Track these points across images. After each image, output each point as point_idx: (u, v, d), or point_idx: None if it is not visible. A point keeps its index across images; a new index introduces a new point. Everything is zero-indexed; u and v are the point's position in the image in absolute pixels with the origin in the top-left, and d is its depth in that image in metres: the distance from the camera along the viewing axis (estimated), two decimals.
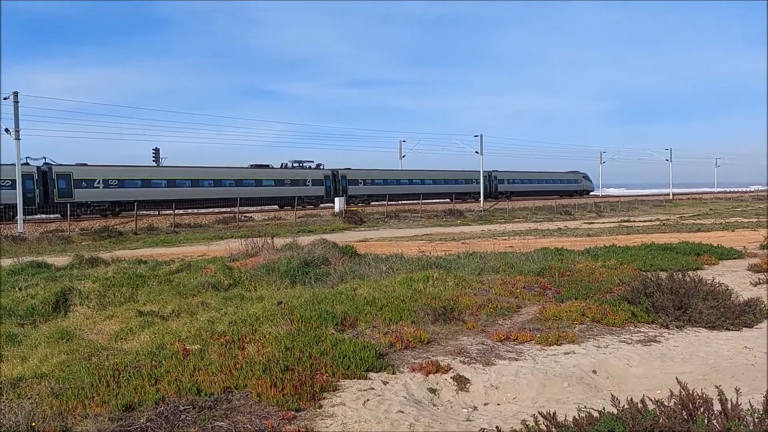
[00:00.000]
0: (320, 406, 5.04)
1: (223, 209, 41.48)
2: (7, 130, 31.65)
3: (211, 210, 41.61)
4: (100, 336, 8.41)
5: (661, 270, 11.19)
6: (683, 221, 33.85)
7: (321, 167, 52.76)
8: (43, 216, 36.31)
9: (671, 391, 3.90)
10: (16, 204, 31.83)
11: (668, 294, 8.13)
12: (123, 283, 11.29)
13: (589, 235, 24.38)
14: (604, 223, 35.27)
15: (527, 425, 3.84)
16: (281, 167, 50.38)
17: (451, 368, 6.14)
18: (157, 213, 39.92)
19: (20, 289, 11.68)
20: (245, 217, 40.34)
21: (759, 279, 11.00)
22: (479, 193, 58.41)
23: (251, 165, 48.41)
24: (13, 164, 32.50)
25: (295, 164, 52.12)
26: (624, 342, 7.15)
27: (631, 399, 3.85)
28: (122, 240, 28.61)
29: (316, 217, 41.17)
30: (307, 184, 50.03)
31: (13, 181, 32.51)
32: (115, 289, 10.94)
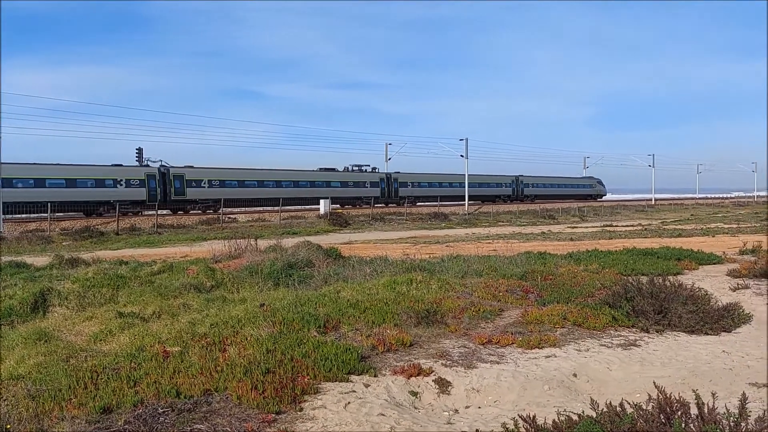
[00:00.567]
0: (301, 409, 5.01)
1: (296, 207, 46.86)
2: None
3: (293, 207, 46.39)
4: (79, 337, 8.30)
5: (642, 275, 11.30)
6: (665, 226, 34.23)
7: (376, 170, 58.61)
8: (163, 211, 40.89)
9: (649, 394, 3.94)
10: (144, 200, 39.34)
11: (649, 298, 8.21)
12: (103, 283, 11.16)
13: (571, 240, 24.56)
14: (587, 227, 35.57)
15: (507, 428, 3.85)
16: (344, 170, 56.32)
17: (433, 371, 6.14)
18: (249, 209, 44.85)
19: None
20: (229, 218, 40.15)
21: (738, 284, 11.14)
22: (509, 196, 67.86)
23: (319, 168, 54.57)
24: (136, 166, 40.18)
25: (354, 168, 57.67)
26: (604, 346, 7.20)
27: (610, 402, 3.88)
28: (103, 240, 28.32)
29: (301, 219, 41.08)
30: (366, 185, 55.74)
31: (141, 181, 39.74)
32: (95, 290, 10.81)
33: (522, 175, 72.54)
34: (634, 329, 7.91)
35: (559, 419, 3.91)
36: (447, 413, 5.41)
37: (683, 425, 3.48)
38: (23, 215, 33.92)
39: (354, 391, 5.47)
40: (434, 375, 6.07)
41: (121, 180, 39.48)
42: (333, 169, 55.41)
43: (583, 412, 3.95)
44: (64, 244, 26.40)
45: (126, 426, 4.56)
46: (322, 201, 44.51)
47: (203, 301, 9.94)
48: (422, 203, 57.70)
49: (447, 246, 22.22)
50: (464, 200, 57.67)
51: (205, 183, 43.94)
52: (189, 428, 4.58)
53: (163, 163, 42.56)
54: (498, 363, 6.50)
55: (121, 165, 40.96)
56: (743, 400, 3.72)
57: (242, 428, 4.60)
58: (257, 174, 48.47)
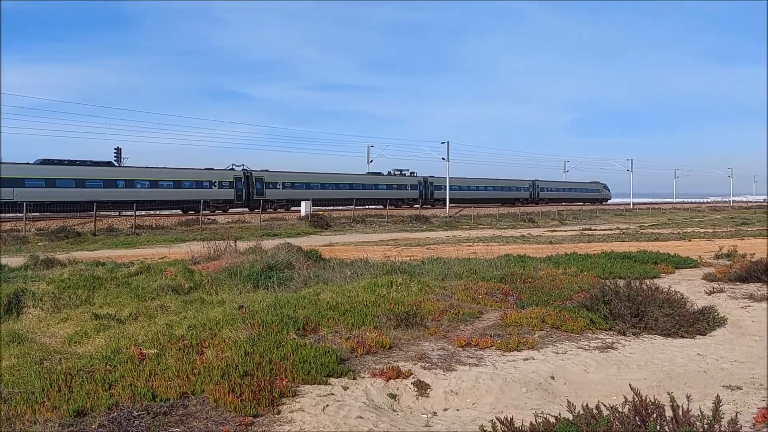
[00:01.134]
0: (279, 412, 4.98)
1: (349, 206, 50.85)
2: None
3: (346, 207, 50.80)
4: (53, 339, 8.18)
5: (620, 278, 11.41)
6: (642, 230, 34.66)
7: (414, 174, 64.19)
8: (243, 209, 47.30)
9: (625, 397, 3.97)
10: (233, 199, 46.59)
11: (626, 301, 8.29)
12: (79, 285, 11.00)
13: (551, 243, 24.75)
14: (566, 231, 35.88)
15: (485, 431, 3.86)
16: (387, 174, 62.21)
17: (412, 374, 6.14)
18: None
19: None
20: (208, 219, 39.84)
21: (713, 288, 11.30)
22: (527, 199, 74.69)
23: (368, 172, 61.21)
24: (222, 169, 47.61)
25: (396, 172, 63.46)
26: (582, 348, 7.26)
27: (587, 405, 3.91)
28: (80, 241, 27.92)
29: (281, 220, 40.90)
30: (407, 188, 62.46)
31: (230, 182, 46.65)
32: (71, 291, 10.65)
33: (538, 180, 79.93)
34: (611, 332, 7.98)
35: (536, 421, 3.93)
36: (425, 416, 5.41)
37: (658, 427, 3.52)
38: (142, 212, 40.30)
39: (332, 394, 5.45)
40: (413, 377, 6.06)
41: (215, 182, 46.16)
42: (379, 174, 62.10)
43: (560, 414, 3.97)
44: (39, 244, 25.98)
45: (100, 429, 4.49)
46: (303, 203, 44.42)
47: (181, 303, 9.85)
48: (455, 205, 61.39)
49: (427, 248, 22.28)
50: (497, 204, 66.14)
51: (279, 185, 50.77)
52: (164, 431, 4.52)
53: (245, 168, 49.08)
54: (477, 365, 6.52)
55: (212, 169, 47.62)
56: (717, 402, 3.77)
57: (218, 431, 4.55)
58: (320, 177, 55.48)
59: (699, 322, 8.22)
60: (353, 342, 6.98)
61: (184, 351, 6.48)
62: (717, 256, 16.84)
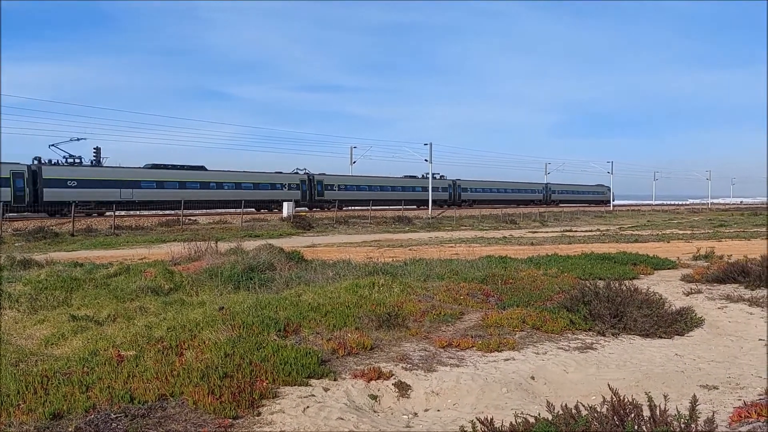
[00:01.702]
0: (259, 414, 4.94)
1: (393, 207, 56.48)
2: None
3: (386, 208, 55.47)
4: (30, 341, 8.04)
5: (600, 279, 11.51)
6: (622, 232, 35.02)
7: (444, 177, 69.22)
8: (304, 209, 52.07)
9: (604, 397, 4.01)
10: (299, 199, 51.62)
11: (605, 302, 8.37)
12: (56, 286, 10.85)
13: (532, 244, 24.91)
14: (547, 232, 36.14)
15: (465, 431, 3.87)
16: (421, 177, 66.46)
17: (393, 375, 6.14)
18: (360, 208, 53.86)
19: None
20: (189, 220, 39.50)
21: (691, 289, 11.46)
22: (540, 200, 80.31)
23: (404, 176, 66.69)
24: (291, 173, 54.05)
25: (426, 175, 66.75)
26: (562, 349, 7.32)
27: (566, 405, 3.93)
28: (58, 241, 27.52)
29: (263, 221, 40.69)
30: (439, 190, 66.84)
31: (297, 185, 53.07)
32: (48, 293, 10.50)
33: (550, 183, 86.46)
34: (590, 332, 8.06)
35: (516, 421, 3.95)
36: (406, 416, 5.41)
37: (636, 427, 3.55)
38: (221, 210, 46.11)
39: (313, 395, 5.43)
40: (394, 378, 6.06)
41: (285, 184, 52.42)
42: (415, 177, 67.21)
43: (539, 414, 3.99)
44: (16, 245, 25.55)
45: None
46: (285, 203, 44.26)
47: (161, 304, 9.75)
48: (479, 206, 67.13)
49: (410, 249, 22.30)
50: (516, 206, 70.00)
51: (335, 187, 56.70)
52: None
53: (307, 171, 55.30)
54: (458, 366, 6.54)
55: (281, 172, 53.85)
56: (694, 402, 3.82)
57: None
58: (368, 180, 60.71)
59: (677, 323, 8.33)
60: (334, 343, 6.97)
61: (163, 353, 6.41)
62: (695, 258, 17.07)
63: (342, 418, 4.94)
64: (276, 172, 53.65)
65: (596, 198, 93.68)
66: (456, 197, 69.28)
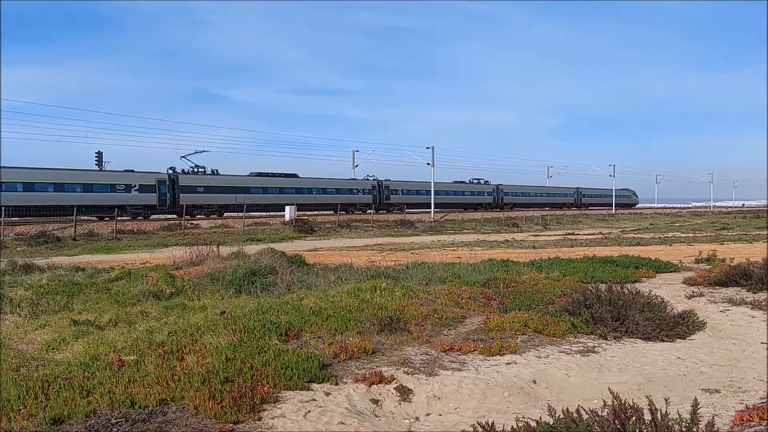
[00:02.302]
0: (259, 418, 4.94)
1: (444, 209, 63.34)
2: None
3: (437, 210, 60.43)
4: (31, 346, 8.05)
5: (602, 282, 11.51)
6: (624, 235, 34.97)
7: (488, 182, 75.34)
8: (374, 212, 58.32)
9: (605, 401, 4.00)
10: (371, 203, 58.95)
11: (607, 306, 8.36)
12: (58, 290, 10.86)
13: (534, 248, 24.89)
14: (549, 235, 36.11)
15: None
16: (469, 182, 73.77)
17: (394, 379, 6.12)
18: (423, 211, 60.19)
19: None
20: (191, 224, 39.53)
21: (693, 292, 11.44)
22: (572, 203, 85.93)
23: (454, 181, 72.68)
24: (364, 179, 60.39)
25: (474, 180, 75.05)
26: (564, 352, 7.30)
27: (567, 409, 3.92)
28: (60, 246, 27.58)
29: (265, 225, 40.71)
30: (484, 194, 73.61)
31: (368, 190, 59.23)
32: (49, 297, 10.50)
33: (580, 187, 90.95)
34: (592, 336, 8.04)
35: (517, 425, 3.94)
36: (408, 421, 5.40)
37: (637, 430, 3.54)
38: (309, 212, 50.77)
39: (314, 400, 5.42)
40: (396, 382, 6.05)
41: (361, 189, 58.92)
42: (463, 182, 73.57)
43: (540, 418, 3.99)
44: (18, 249, 25.61)
45: None
46: (287, 207, 44.43)
47: (162, 308, 9.74)
48: (519, 209, 72.24)
49: (412, 253, 22.29)
50: (561, 209, 75.20)
51: (399, 191, 62.50)
52: None
53: (376, 177, 61.21)
54: (459, 370, 6.53)
55: (355, 179, 60.75)
56: (695, 405, 3.80)
57: None
58: (425, 185, 63.58)
59: (679, 326, 8.31)
60: (336, 347, 6.96)
61: (164, 357, 6.41)
62: (697, 261, 17.05)
63: (343, 423, 4.93)
64: (351, 179, 61.08)
65: (624, 201, 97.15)
66: (499, 201, 74.70)
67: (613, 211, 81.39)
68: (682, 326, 8.36)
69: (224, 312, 8.69)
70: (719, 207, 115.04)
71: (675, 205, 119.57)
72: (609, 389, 4.25)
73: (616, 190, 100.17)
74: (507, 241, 30.69)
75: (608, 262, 15.60)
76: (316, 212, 52.43)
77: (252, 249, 17.39)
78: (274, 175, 53.16)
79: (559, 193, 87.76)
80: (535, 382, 6.29)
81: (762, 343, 7.93)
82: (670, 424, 3.56)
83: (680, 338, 8.09)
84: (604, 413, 3.79)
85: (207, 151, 61.95)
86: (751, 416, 4.20)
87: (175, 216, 43.05)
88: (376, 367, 6.45)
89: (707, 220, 57.86)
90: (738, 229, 38.14)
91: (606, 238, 32.01)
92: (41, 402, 5.11)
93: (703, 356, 7.32)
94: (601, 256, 17.21)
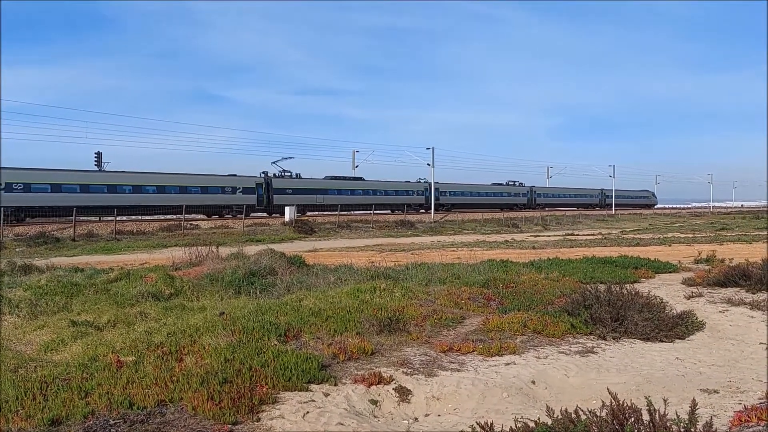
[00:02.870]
0: (258, 419, 4.93)
1: (486, 210, 67.55)
2: None
3: (478, 210, 66.32)
4: (29, 347, 8.04)
5: (601, 282, 11.50)
6: (624, 235, 34.97)
7: (522, 184, 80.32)
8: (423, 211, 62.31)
9: (603, 401, 3.99)
10: (423, 203, 62.82)
11: (606, 306, 8.36)
12: (57, 291, 10.84)
13: (534, 248, 24.88)
14: (549, 236, 36.10)
15: None
16: (505, 184, 78.67)
17: (393, 379, 6.12)
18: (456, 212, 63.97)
19: None
20: (191, 224, 39.51)
21: (692, 292, 11.44)
22: (596, 204, 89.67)
23: (492, 183, 77.61)
24: (417, 182, 65.52)
25: (510, 182, 79.55)
26: (563, 353, 7.30)
27: (566, 409, 3.92)
28: (59, 247, 27.56)
29: (265, 226, 40.69)
30: (518, 195, 78.57)
31: (421, 191, 63.99)
32: (48, 298, 10.49)
33: (604, 189, 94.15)
34: (591, 336, 8.04)
35: (516, 426, 3.94)
36: (407, 421, 5.39)
37: (635, 431, 3.54)
38: (368, 212, 53.29)
39: (313, 401, 5.42)
40: (395, 383, 6.05)
41: (414, 191, 63.99)
42: (500, 184, 78.07)
43: (539, 418, 3.98)
44: (17, 250, 25.59)
45: None
46: (287, 208, 44.44)
47: (161, 309, 9.73)
48: (552, 209, 77.84)
49: (412, 254, 22.28)
50: (574, 206, 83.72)
51: (447, 193, 66.97)
52: None
53: (427, 180, 63.58)
54: (458, 370, 6.52)
55: (409, 181, 65.37)
56: (693, 406, 3.80)
57: None
58: (468, 187, 71.26)
59: (678, 327, 8.31)
60: (335, 348, 6.95)
61: (162, 358, 6.41)
62: (696, 261, 17.05)
63: (342, 424, 4.93)
64: (406, 181, 65.33)
65: (643, 202, 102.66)
66: (533, 201, 79.38)
67: (613, 211, 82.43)
68: (681, 327, 8.36)
69: (223, 313, 8.68)
70: (719, 207, 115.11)
71: (674, 206, 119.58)
72: (608, 390, 4.24)
73: (636, 191, 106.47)
74: (507, 241, 30.69)
75: (607, 262, 15.60)
76: (378, 212, 56.18)
77: (251, 250, 17.38)
78: (345, 178, 59.72)
79: (585, 194, 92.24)
80: (534, 382, 6.29)
81: (761, 343, 7.93)
82: (668, 424, 3.56)
83: (679, 339, 8.08)
84: (603, 414, 3.79)
85: (293, 158, 68.94)
86: (749, 417, 4.20)
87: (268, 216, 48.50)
88: (375, 367, 6.45)
89: (706, 221, 57.88)
90: (737, 230, 38.15)
91: (605, 238, 32.00)
92: (39, 403, 5.11)
93: (702, 357, 7.32)
94: (600, 256, 17.20)
